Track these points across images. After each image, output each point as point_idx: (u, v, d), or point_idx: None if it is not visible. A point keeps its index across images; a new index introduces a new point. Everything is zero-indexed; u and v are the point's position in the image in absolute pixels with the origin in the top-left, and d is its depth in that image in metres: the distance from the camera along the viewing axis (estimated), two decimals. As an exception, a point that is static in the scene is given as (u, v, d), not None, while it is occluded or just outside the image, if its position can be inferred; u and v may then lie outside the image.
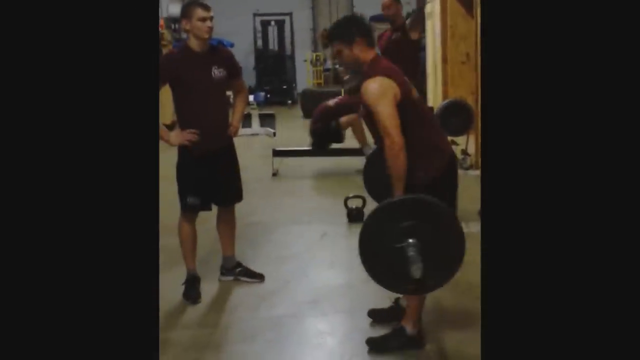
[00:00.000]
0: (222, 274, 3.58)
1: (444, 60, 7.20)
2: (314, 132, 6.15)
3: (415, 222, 2.25)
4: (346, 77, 6.33)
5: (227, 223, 3.52)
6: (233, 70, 3.34)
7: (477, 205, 3.89)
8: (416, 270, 2.20)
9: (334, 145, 6.20)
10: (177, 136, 3.19)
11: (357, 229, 2.41)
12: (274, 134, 8.27)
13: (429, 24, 7.66)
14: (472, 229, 4.05)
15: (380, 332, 2.80)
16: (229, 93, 3.76)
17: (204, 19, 3.09)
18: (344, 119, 5.95)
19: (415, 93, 2.57)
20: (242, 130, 7.53)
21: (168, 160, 3.15)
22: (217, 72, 3.19)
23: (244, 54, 12.88)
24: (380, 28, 5.37)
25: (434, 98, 7.83)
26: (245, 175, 3.71)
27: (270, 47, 14.02)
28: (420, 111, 2.59)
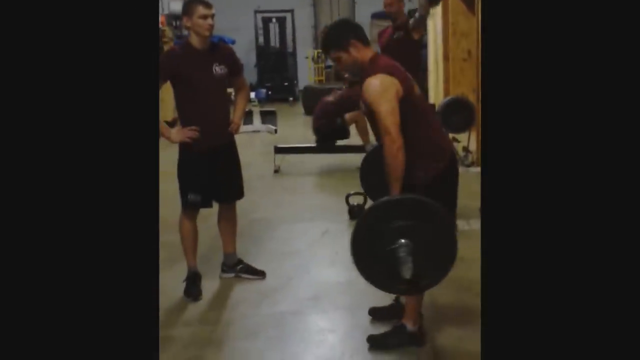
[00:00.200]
0: (223, 271, 3.58)
1: (446, 57, 7.20)
2: (319, 129, 6.14)
3: (407, 222, 2.23)
4: (346, 75, 6.33)
5: (228, 220, 3.52)
6: (234, 67, 3.34)
7: (478, 202, 3.85)
8: (406, 271, 2.19)
9: (337, 142, 6.21)
10: (178, 133, 3.20)
11: (358, 226, 2.41)
12: (276, 131, 8.26)
13: (430, 22, 7.65)
14: (473, 226, 4.06)
15: (381, 329, 2.80)
16: (230, 90, 3.76)
17: (205, 17, 3.09)
18: (348, 116, 5.96)
19: (417, 89, 2.56)
20: (244, 128, 7.55)
21: (169, 157, 3.15)
22: (218, 69, 3.19)
23: (245, 51, 12.89)
24: (381, 25, 5.36)
25: (436, 95, 7.84)
26: (247, 172, 3.71)
27: (272, 44, 13.99)
28: (422, 109, 2.58)
